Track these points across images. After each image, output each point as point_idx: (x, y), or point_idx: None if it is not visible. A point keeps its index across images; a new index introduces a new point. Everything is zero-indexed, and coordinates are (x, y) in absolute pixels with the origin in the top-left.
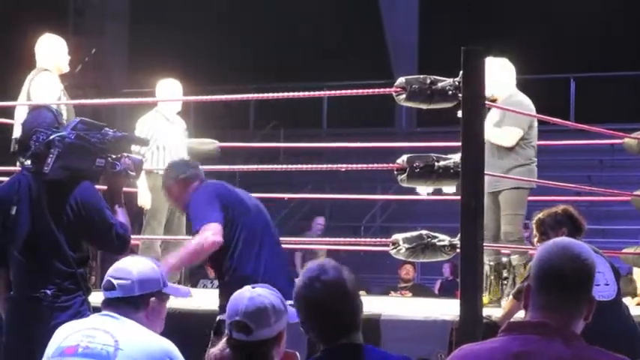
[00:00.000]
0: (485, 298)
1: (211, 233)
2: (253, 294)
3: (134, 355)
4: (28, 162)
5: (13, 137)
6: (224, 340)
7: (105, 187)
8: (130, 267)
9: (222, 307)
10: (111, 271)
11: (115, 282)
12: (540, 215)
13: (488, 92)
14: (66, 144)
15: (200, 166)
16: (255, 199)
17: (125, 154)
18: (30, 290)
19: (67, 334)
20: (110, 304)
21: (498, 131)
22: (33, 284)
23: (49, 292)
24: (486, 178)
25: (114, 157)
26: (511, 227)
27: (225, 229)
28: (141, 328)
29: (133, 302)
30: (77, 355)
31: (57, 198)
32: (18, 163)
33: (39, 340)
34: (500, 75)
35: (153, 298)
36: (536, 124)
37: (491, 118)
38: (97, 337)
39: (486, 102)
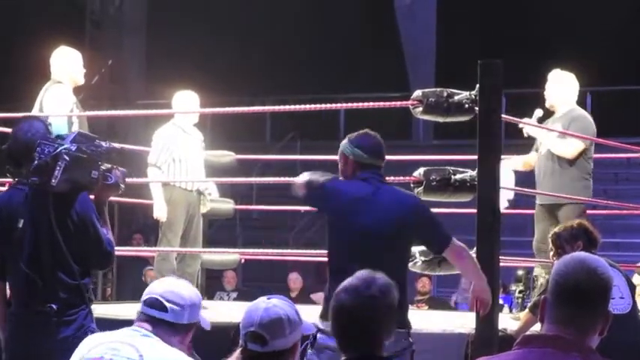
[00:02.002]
0: None
1: None
2: (269, 305)
3: None
4: (33, 176)
5: None
6: (238, 351)
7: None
8: (183, 292)
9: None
10: (160, 289)
11: (168, 305)
12: (556, 230)
13: (548, 103)
14: (71, 156)
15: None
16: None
17: (115, 166)
18: (37, 305)
19: (92, 346)
20: (148, 321)
21: (561, 142)
22: (40, 299)
23: (55, 306)
24: (539, 189)
25: (104, 168)
26: None
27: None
28: (167, 345)
29: (177, 328)
30: None
31: (61, 210)
32: (22, 175)
33: (43, 355)
34: (566, 89)
35: (194, 328)
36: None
37: (552, 130)
38: (121, 351)
39: (508, 117)
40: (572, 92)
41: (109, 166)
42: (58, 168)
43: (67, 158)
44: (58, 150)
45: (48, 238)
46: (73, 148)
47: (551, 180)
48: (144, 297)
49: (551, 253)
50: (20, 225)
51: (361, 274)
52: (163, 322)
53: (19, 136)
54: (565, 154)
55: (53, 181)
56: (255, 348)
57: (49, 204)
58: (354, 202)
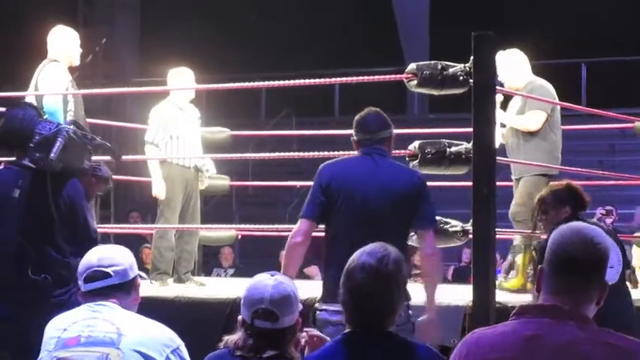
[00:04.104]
0: (517, 281)
1: (293, 234)
2: (276, 282)
3: (138, 339)
4: (34, 151)
5: None
6: (242, 328)
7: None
8: (115, 254)
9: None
10: (95, 261)
11: (110, 270)
12: (542, 193)
13: (507, 85)
14: (70, 136)
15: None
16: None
17: (103, 163)
18: (29, 274)
19: (64, 327)
20: (102, 294)
21: (522, 117)
22: (32, 269)
23: (49, 277)
24: (512, 165)
25: (94, 162)
26: (519, 208)
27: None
28: (136, 315)
29: (127, 287)
30: (81, 345)
31: (55, 191)
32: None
33: (34, 331)
34: (516, 67)
35: (139, 280)
36: (558, 107)
37: (513, 107)
38: (97, 326)
39: (504, 89)
40: (523, 65)
41: (98, 162)
42: (57, 143)
43: (66, 135)
44: (59, 127)
45: (43, 212)
46: (71, 129)
47: (516, 154)
48: (81, 277)
49: (537, 218)
50: (16, 195)
51: (374, 249)
52: (113, 287)
53: (11, 122)
54: (527, 127)
55: (52, 155)
56: (265, 325)
57: (47, 179)
58: (353, 178)
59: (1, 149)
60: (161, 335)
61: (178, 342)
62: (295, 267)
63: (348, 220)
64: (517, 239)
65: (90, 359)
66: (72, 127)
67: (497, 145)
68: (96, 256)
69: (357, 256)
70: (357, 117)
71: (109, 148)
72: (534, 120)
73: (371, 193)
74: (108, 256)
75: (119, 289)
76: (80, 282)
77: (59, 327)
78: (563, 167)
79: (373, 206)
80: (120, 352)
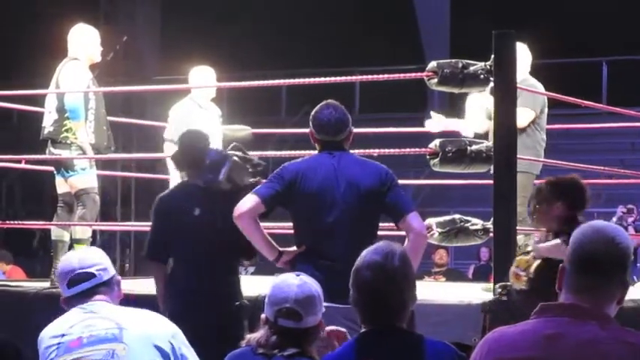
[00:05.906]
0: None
1: (237, 207)
2: (301, 281)
3: (140, 331)
4: (208, 174)
5: (43, 125)
6: (266, 327)
7: None
8: (93, 255)
9: None
10: (76, 263)
11: (93, 270)
12: (532, 191)
13: None
14: (234, 160)
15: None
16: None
17: (261, 179)
18: (210, 282)
19: (62, 332)
20: (88, 295)
21: None
22: (213, 277)
23: (229, 285)
24: None
25: (254, 179)
26: (517, 208)
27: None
28: (130, 308)
29: (111, 284)
30: (84, 346)
31: (225, 207)
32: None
33: (216, 327)
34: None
35: (118, 276)
36: (546, 109)
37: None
38: (97, 325)
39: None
40: (525, 63)
41: (257, 177)
42: (225, 167)
43: (232, 159)
44: (226, 153)
45: (214, 228)
46: (236, 153)
47: None
48: (63, 282)
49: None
50: (196, 213)
51: (378, 247)
52: (99, 286)
53: (186, 147)
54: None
55: (221, 176)
56: (289, 324)
57: (219, 198)
58: (320, 177)
59: (178, 169)
60: (159, 323)
61: (175, 328)
62: (261, 236)
63: (318, 218)
64: (520, 239)
65: (97, 357)
66: (235, 151)
67: (477, 132)
68: (75, 258)
69: (363, 254)
70: (315, 113)
71: (264, 167)
72: (524, 117)
73: (339, 190)
74: (87, 257)
75: (105, 286)
76: (62, 287)
77: (55, 334)
78: (584, 166)
79: (343, 203)
80: (125, 346)
